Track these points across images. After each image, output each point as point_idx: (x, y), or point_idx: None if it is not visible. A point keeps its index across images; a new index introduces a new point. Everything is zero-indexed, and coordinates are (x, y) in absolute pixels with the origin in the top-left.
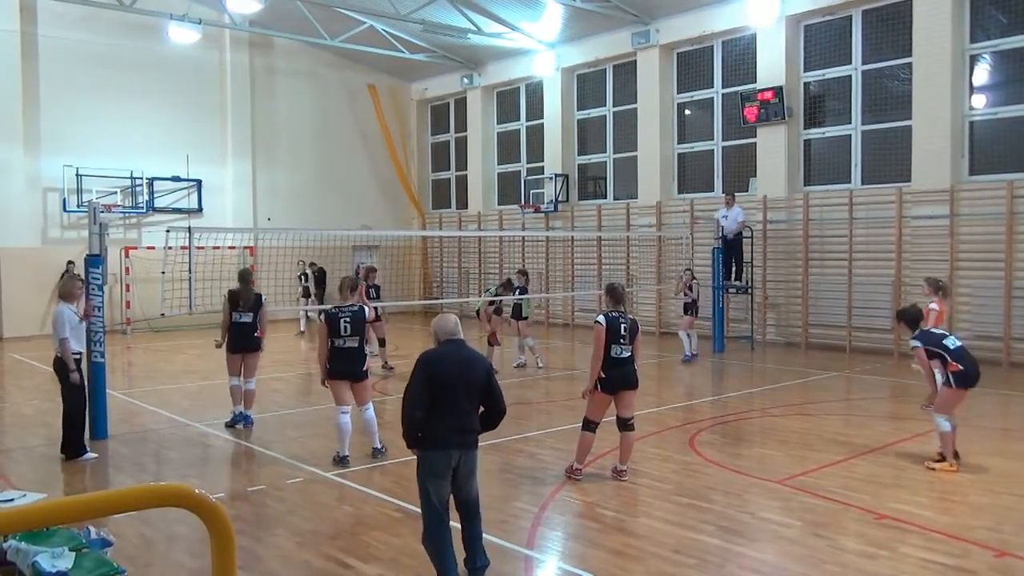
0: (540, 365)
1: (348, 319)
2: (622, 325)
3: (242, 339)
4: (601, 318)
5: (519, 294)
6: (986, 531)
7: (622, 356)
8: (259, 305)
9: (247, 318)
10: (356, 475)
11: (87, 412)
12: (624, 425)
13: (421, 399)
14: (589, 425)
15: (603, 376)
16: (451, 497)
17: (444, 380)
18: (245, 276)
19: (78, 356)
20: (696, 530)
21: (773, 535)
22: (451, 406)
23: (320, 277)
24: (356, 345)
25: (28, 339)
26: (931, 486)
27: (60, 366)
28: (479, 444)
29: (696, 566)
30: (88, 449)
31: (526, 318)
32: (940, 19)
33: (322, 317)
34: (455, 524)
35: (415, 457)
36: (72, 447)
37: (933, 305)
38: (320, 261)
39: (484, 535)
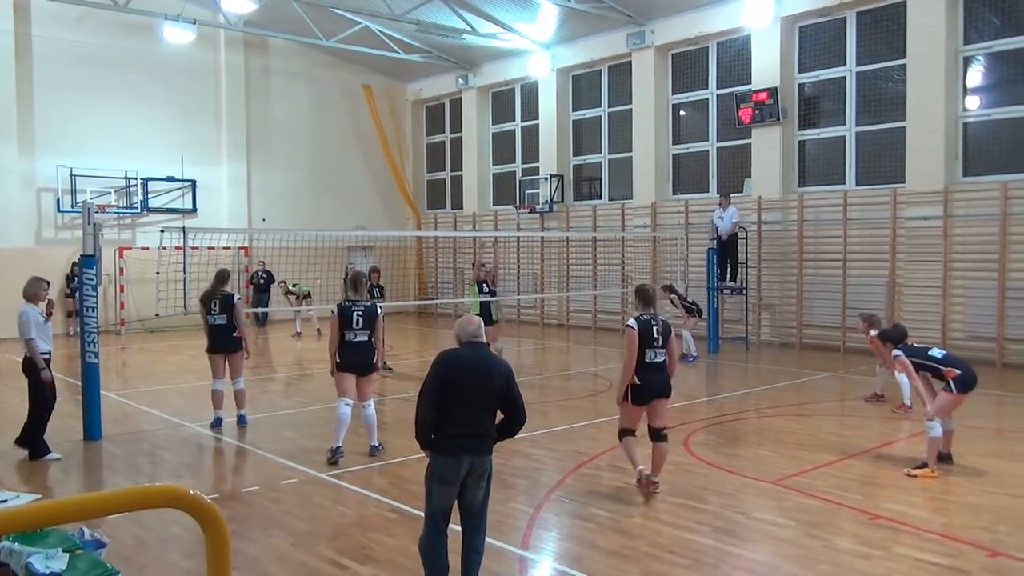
0: None
1: (361, 313)
2: (654, 328)
3: (221, 341)
4: (633, 322)
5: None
6: (980, 531)
7: (656, 360)
8: (231, 306)
9: (222, 320)
10: (352, 476)
11: (85, 412)
12: (657, 435)
13: (433, 401)
14: (627, 432)
15: (637, 383)
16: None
17: (459, 383)
18: (223, 278)
19: (47, 355)
20: (691, 530)
21: (768, 535)
22: (465, 410)
23: (267, 280)
24: (366, 339)
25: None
26: (925, 487)
27: (30, 366)
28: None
29: (691, 566)
30: (52, 449)
31: (496, 321)
32: (934, 21)
33: (335, 309)
34: (456, 527)
35: (414, 457)
36: (37, 447)
37: (874, 332)
38: (313, 263)
39: None
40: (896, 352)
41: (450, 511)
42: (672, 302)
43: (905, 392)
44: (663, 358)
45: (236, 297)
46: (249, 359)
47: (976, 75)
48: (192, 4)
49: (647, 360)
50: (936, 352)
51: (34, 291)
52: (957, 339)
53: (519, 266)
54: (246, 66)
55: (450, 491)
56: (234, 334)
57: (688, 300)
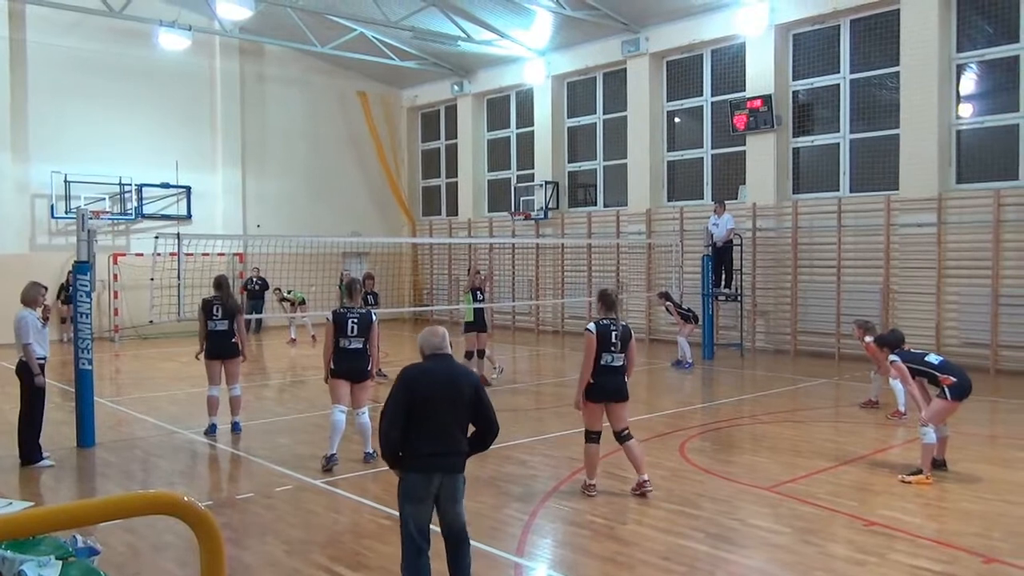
0: (496, 374)
1: (356, 320)
2: (613, 333)
3: (219, 346)
4: (592, 326)
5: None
6: (974, 537)
7: (613, 364)
8: (235, 312)
9: (223, 326)
10: (346, 483)
11: (78, 419)
12: (620, 437)
13: (397, 417)
14: (590, 436)
15: (592, 383)
16: (433, 524)
17: (426, 397)
18: (222, 283)
19: (43, 360)
20: (686, 537)
21: (763, 542)
22: (433, 426)
23: (262, 287)
24: (361, 346)
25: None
26: (919, 493)
27: (25, 370)
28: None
29: (686, 573)
30: (45, 456)
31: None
32: (927, 28)
33: (329, 316)
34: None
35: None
36: (29, 453)
37: (869, 339)
38: (304, 268)
39: (474, 543)
40: (892, 357)
41: (427, 529)
42: (667, 309)
43: (900, 399)
44: (620, 362)
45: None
46: (245, 361)
47: (969, 83)
48: (187, 10)
49: (603, 363)
50: (933, 358)
51: (32, 296)
52: (951, 345)
53: (514, 273)
54: (241, 72)
55: (424, 509)
56: (232, 340)
57: (683, 307)
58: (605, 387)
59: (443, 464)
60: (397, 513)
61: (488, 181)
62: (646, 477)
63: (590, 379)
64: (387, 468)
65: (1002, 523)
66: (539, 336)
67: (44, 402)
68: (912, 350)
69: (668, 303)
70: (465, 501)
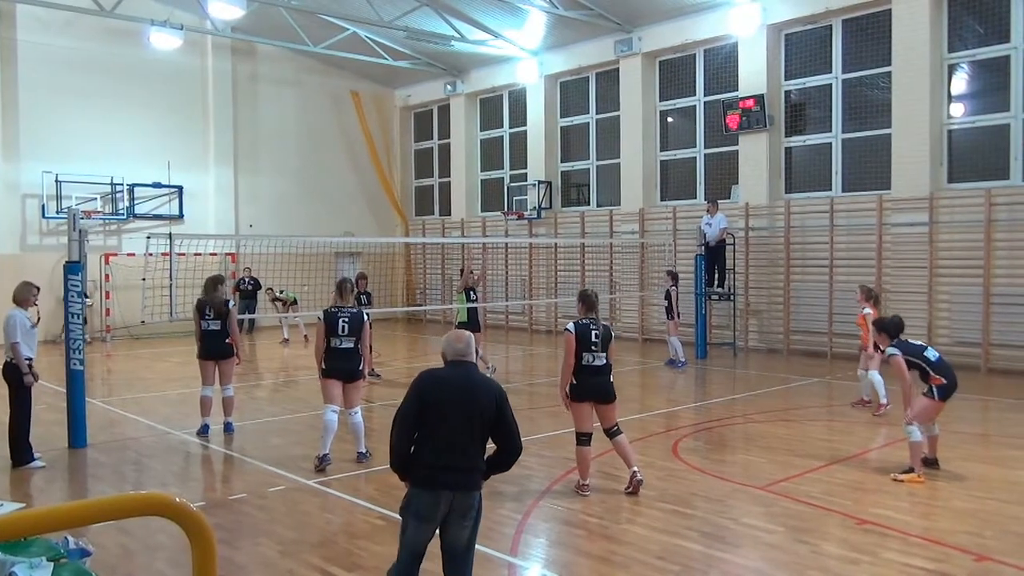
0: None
1: (347, 319)
2: (593, 332)
3: (213, 346)
4: (571, 325)
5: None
6: (966, 536)
7: (595, 364)
8: (227, 312)
9: (215, 326)
10: (339, 483)
11: (69, 419)
12: (609, 433)
13: (408, 426)
14: (581, 438)
15: (574, 383)
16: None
17: (440, 407)
18: (214, 283)
19: (29, 362)
20: (680, 536)
21: (756, 541)
22: (447, 438)
23: (254, 287)
24: (352, 346)
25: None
26: (912, 492)
27: (10, 371)
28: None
29: (680, 572)
30: (36, 457)
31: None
32: (919, 29)
33: (321, 316)
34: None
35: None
36: (20, 454)
37: (867, 310)
38: (296, 268)
39: None
40: (891, 351)
41: (423, 552)
42: (667, 294)
43: (880, 391)
44: (602, 362)
45: (231, 303)
46: (240, 364)
47: (960, 83)
48: (179, 10)
49: (584, 363)
50: (931, 353)
51: (24, 295)
52: (943, 344)
53: (507, 272)
54: (233, 72)
55: (426, 529)
56: (226, 340)
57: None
58: (587, 387)
59: (453, 481)
60: (389, 513)
61: (481, 181)
62: (636, 468)
63: (572, 379)
64: (381, 468)
65: (994, 521)
66: (532, 336)
67: (31, 401)
68: (911, 341)
69: (673, 287)
70: (475, 532)
